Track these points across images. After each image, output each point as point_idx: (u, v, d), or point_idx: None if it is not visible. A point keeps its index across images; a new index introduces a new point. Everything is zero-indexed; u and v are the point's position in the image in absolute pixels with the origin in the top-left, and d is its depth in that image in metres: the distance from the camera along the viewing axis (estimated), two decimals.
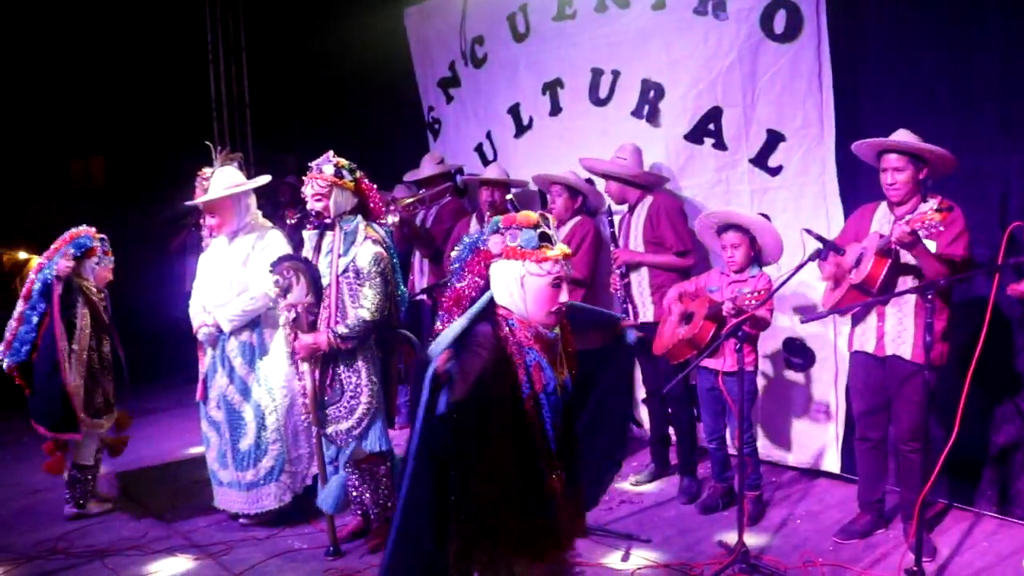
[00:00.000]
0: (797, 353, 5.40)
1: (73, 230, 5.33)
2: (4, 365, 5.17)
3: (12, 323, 5.19)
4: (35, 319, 5.12)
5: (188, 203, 5.18)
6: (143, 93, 7.96)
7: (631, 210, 5.40)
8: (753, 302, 4.20)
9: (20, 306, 5.19)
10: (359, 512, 4.75)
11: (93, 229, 5.37)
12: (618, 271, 5.28)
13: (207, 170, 5.06)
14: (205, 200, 4.88)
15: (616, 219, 5.46)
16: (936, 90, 4.68)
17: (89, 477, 5.35)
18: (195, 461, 6.07)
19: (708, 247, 5.12)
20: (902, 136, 4.14)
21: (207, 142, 5.16)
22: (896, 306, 4.20)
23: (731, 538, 4.36)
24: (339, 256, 4.38)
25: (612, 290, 5.36)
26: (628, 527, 4.76)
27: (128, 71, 7.75)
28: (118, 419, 5.46)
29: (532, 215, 2.92)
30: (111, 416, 5.38)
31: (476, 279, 2.93)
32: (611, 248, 5.37)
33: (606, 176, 5.47)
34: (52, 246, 5.27)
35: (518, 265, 2.83)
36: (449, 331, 2.71)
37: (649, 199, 5.35)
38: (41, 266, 5.20)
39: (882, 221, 4.28)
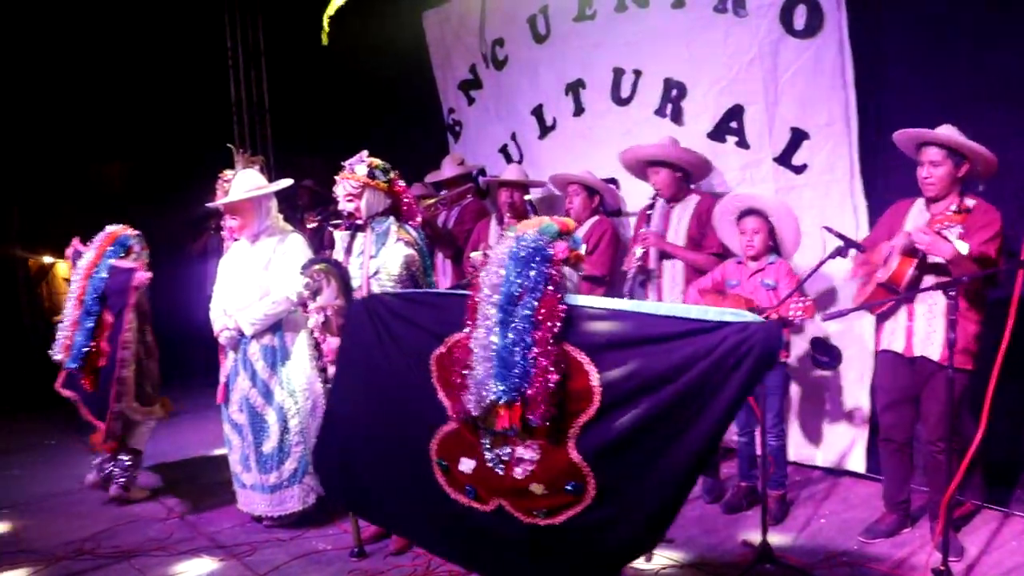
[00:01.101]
0: (824, 351, 5.37)
1: (110, 230, 5.51)
2: (65, 367, 5.38)
3: (66, 329, 5.36)
4: (90, 324, 5.29)
5: (209, 205, 5.21)
6: (163, 98, 8.00)
7: (671, 204, 5.36)
8: (800, 313, 4.11)
9: (73, 312, 5.35)
10: None
11: (129, 228, 5.48)
12: (639, 250, 5.24)
13: (228, 172, 5.09)
14: (226, 202, 4.90)
15: (658, 206, 5.39)
16: (959, 84, 4.63)
17: (137, 462, 5.58)
18: (218, 463, 6.10)
19: (722, 237, 5.05)
20: (945, 131, 4.08)
21: (229, 145, 5.19)
22: (927, 306, 4.16)
23: (755, 537, 4.33)
24: (370, 258, 4.37)
25: (624, 268, 5.33)
26: None
27: (148, 76, 7.80)
28: (161, 403, 5.62)
29: (570, 221, 3.08)
30: (161, 401, 5.58)
31: (550, 288, 2.95)
32: (642, 226, 5.30)
33: (664, 164, 5.34)
34: (94, 248, 5.43)
35: (571, 269, 3.06)
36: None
37: (696, 198, 5.36)
38: (90, 272, 5.35)
39: (917, 218, 4.24)
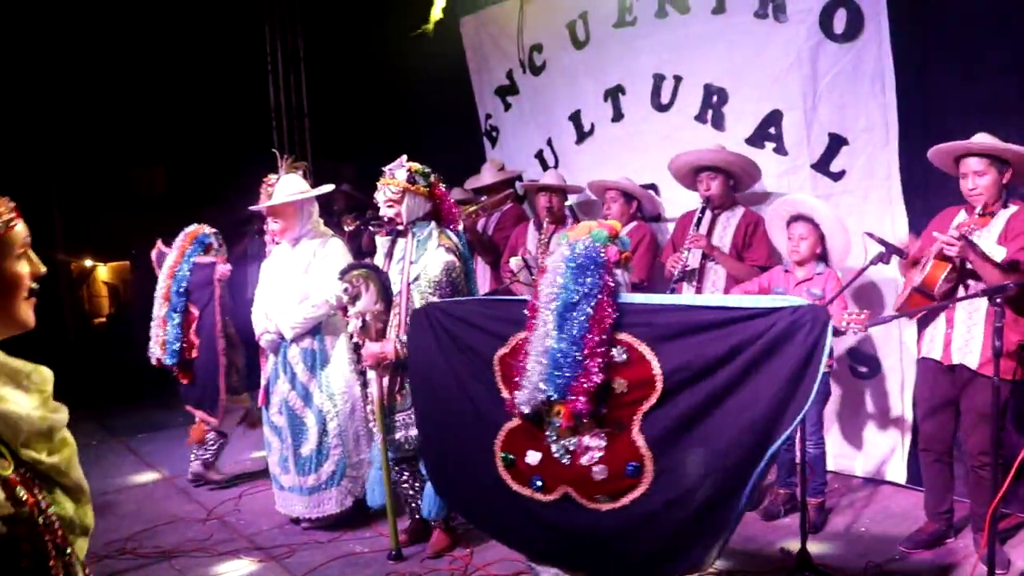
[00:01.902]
0: (863, 361, 5.32)
1: (189, 229, 5.82)
2: (166, 364, 5.65)
3: (157, 328, 5.66)
4: (177, 319, 5.58)
5: (252, 208, 5.28)
6: (203, 103, 8.09)
7: (717, 212, 5.32)
8: (853, 326, 4.08)
9: (161, 309, 5.64)
10: (418, 516, 4.75)
11: (206, 226, 5.83)
12: (686, 252, 5.20)
13: (272, 177, 5.14)
14: (269, 205, 4.95)
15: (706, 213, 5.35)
16: (1001, 88, 4.58)
17: (223, 445, 5.92)
18: (257, 464, 6.18)
19: (772, 240, 5.02)
20: (982, 139, 4.01)
21: (273, 150, 5.25)
22: (966, 313, 4.09)
23: (794, 545, 4.29)
24: (410, 263, 4.34)
25: (670, 266, 5.27)
26: None
27: (188, 82, 7.89)
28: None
29: (616, 223, 3.29)
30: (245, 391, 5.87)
31: (603, 293, 3.14)
32: (692, 229, 5.24)
33: (719, 170, 5.28)
34: (176, 248, 5.74)
35: (622, 270, 3.23)
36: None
37: (741, 209, 5.34)
38: (174, 270, 5.63)
39: (960, 226, 4.16)
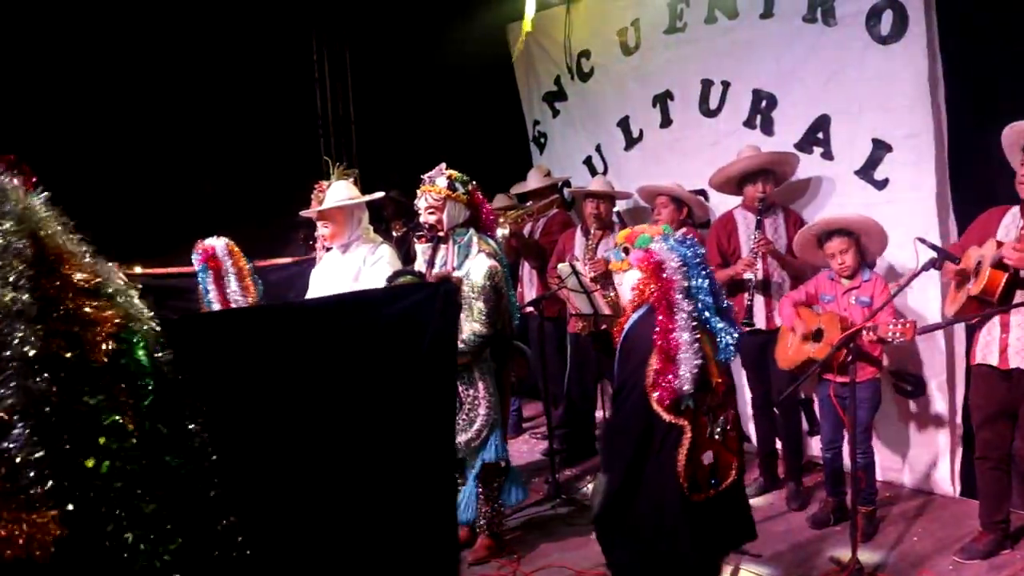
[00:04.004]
0: (907, 379, 5.23)
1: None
2: None
3: None
4: None
5: (303, 213, 5.34)
6: (251, 113, 8.19)
7: (765, 214, 5.26)
8: (897, 334, 4.05)
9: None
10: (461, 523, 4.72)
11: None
12: (757, 255, 5.14)
13: (324, 183, 5.21)
14: (320, 209, 5.01)
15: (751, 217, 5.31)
16: None
17: None
18: None
19: (810, 263, 5.01)
20: None
21: (325, 158, 5.32)
22: (1021, 316, 4.03)
23: (844, 554, 4.25)
24: (453, 270, 4.39)
25: (739, 273, 5.17)
26: None
27: (236, 92, 7.99)
28: None
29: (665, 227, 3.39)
30: None
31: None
32: (754, 234, 5.20)
33: (769, 173, 5.27)
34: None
35: None
36: None
37: (783, 211, 5.33)
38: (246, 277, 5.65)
39: (1009, 227, 4.10)
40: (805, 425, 5.57)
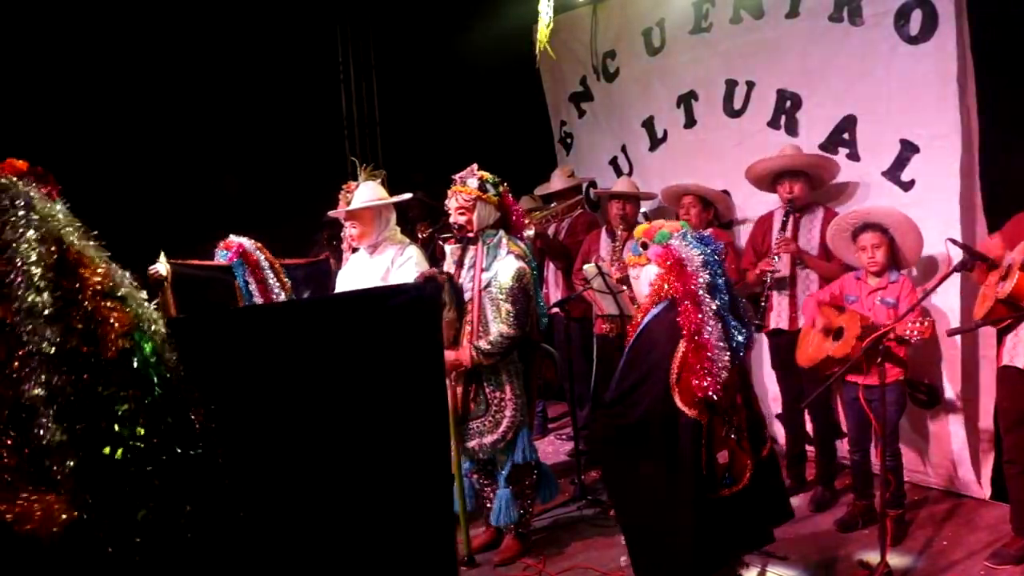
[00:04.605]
0: (922, 390, 5.15)
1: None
2: None
3: None
4: None
5: (332, 212, 5.36)
6: (276, 113, 8.22)
7: (799, 215, 5.27)
8: (917, 334, 4.03)
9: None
10: (489, 523, 4.76)
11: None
12: (776, 257, 5.15)
13: (352, 183, 5.23)
14: (349, 210, 5.03)
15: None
16: None
17: None
18: None
19: (840, 256, 4.97)
20: None
21: (353, 158, 5.33)
22: None
23: (872, 557, 4.23)
24: (482, 271, 4.40)
25: (758, 273, 5.21)
26: None
27: (261, 91, 8.02)
28: None
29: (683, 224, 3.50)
30: None
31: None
32: (777, 234, 5.22)
33: (802, 174, 5.24)
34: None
35: None
36: None
37: (821, 210, 5.29)
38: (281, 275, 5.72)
39: None
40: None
